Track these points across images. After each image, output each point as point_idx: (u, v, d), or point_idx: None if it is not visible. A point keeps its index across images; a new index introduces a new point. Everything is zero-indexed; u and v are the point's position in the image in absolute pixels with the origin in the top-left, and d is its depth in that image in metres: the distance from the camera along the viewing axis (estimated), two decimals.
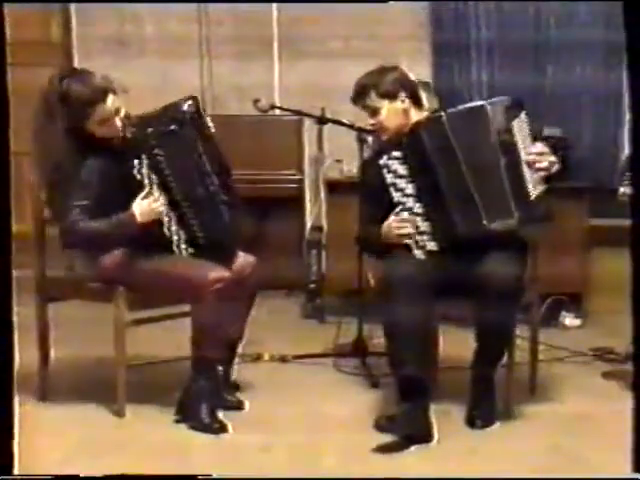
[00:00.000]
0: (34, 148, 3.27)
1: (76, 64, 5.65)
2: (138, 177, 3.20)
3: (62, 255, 3.56)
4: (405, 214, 3.22)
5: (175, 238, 3.30)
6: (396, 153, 3.23)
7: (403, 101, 3.36)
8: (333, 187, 5.04)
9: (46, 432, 3.08)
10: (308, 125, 5.21)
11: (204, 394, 3.23)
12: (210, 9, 5.64)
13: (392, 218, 3.25)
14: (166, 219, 3.27)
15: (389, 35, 5.45)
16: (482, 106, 3.22)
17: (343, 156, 4.87)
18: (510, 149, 3.19)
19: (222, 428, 3.18)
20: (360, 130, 4.00)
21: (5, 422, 2.29)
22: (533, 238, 3.40)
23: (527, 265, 3.36)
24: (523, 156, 3.19)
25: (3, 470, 2.30)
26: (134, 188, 3.21)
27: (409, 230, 3.21)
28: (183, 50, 5.65)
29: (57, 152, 3.20)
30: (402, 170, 3.23)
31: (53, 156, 3.21)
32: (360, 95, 3.38)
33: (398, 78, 3.39)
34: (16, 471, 2.34)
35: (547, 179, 3.25)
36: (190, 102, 3.32)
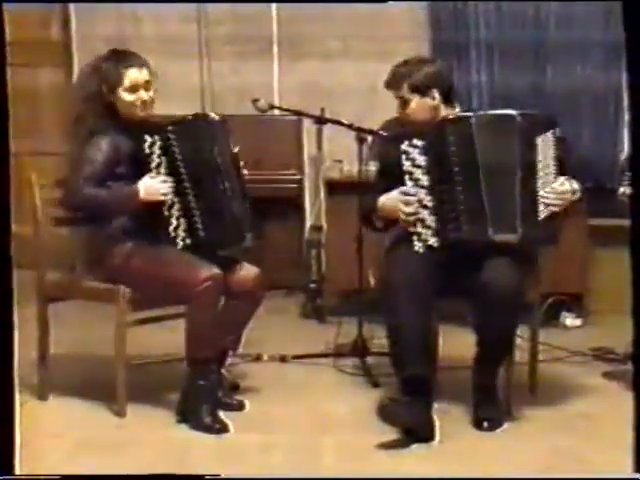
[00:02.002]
0: (71, 124, 3.38)
1: (76, 64, 5.67)
2: (147, 151, 3.24)
3: (62, 255, 3.57)
4: (412, 190, 3.20)
5: (174, 222, 3.30)
6: (418, 142, 3.21)
7: (434, 98, 3.33)
8: (333, 187, 5.03)
9: (46, 432, 3.08)
10: (308, 125, 5.20)
11: (203, 394, 3.23)
12: (209, 9, 5.64)
13: (397, 193, 3.23)
14: (168, 201, 3.29)
15: (388, 35, 5.44)
16: (512, 116, 3.19)
17: (343, 156, 4.87)
18: (529, 164, 3.16)
19: (223, 428, 3.18)
20: (360, 130, 4.00)
21: (5, 422, 2.29)
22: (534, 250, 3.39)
23: (533, 268, 3.35)
24: (541, 174, 3.17)
25: (3, 470, 2.30)
26: (143, 166, 3.25)
27: (412, 210, 3.19)
28: (183, 50, 5.64)
29: (86, 123, 3.29)
30: (421, 160, 3.20)
31: (82, 126, 3.30)
32: (392, 83, 3.36)
33: (433, 73, 3.36)
34: (17, 471, 2.34)
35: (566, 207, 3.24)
36: (218, 116, 3.45)
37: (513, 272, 3.14)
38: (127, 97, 3.30)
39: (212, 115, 3.47)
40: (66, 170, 3.33)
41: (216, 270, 3.21)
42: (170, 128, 3.29)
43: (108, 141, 3.26)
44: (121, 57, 3.33)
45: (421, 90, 3.32)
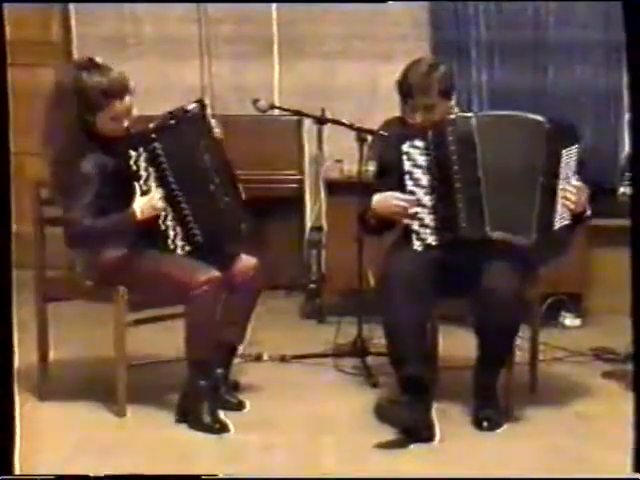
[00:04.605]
0: (42, 138, 3.28)
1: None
2: (134, 168, 3.20)
3: (62, 255, 3.56)
4: (407, 197, 3.20)
5: (172, 233, 3.28)
6: (419, 143, 3.20)
7: (451, 99, 3.32)
8: (333, 187, 5.03)
9: (46, 432, 3.08)
10: (308, 125, 5.20)
11: (203, 394, 3.23)
12: (209, 9, 5.64)
13: (393, 193, 3.23)
14: (163, 213, 3.26)
15: (389, 35, 5.44)
16: (540, 122, 3.19)
17: (343, 156, 4.87)
18: (552, 173, 3.16)
19: (223, 428, 3.18)
20: (360, 130, 4.00)
21: (5, 422, 2.29)
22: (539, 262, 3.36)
23: (533, 270, 3.34)
24: (560, 185, 3.16)
25: (3, 470, 2.31)
26: (131, 180, 3.21)
27: (406, 208, 3.18)
28: (183, 50, 5.64)
29: (63, 142, 3.22)
30: (421, 161, 3.20)
31: (58, 146, 3.23)
32: (422, 90, 3.24)
33: (451, 74, 3.34)
34: (16, 471, 2.34)
35: (576, 221, 3.23)
36: (195, 104, 3.37)
37: (515, 277, 3.13)
38: (109, 125, 3.22)
39: (189, 107, 3.35)
40: (59, 201, 3.29)
41: (214, 272, 3.21)
42: (153, 136, 3.23)
43: (92, 163, 3.19)
44: (104, 82, 3.17)
45: (448, 94, 3.30)
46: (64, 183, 3.23)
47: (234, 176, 3.44)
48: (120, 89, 3.20)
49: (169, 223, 3.28)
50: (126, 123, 3.24)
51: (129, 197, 3.20)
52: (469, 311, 3.32)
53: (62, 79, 3.27)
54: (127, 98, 3.22)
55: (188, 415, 3.24)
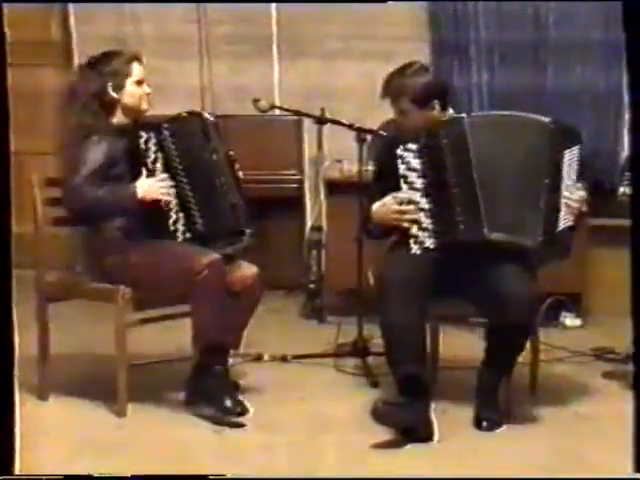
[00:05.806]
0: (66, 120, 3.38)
1: (76, 64, 5.66)
2: (143, 147, 3.27)
3: (62, 255, 3.57)
4: (404, 195, 3.19)
5: (173, 216, 3.32)
6: (412, 146, 3.19)
7: (434, 109, 3.30)
8: (333, 187, 5.03)
9: (46, 432, 3.08)
10: (308, 125, 5.21)
11: (222, 378, 3.27)
12: (209, 9, 5.64)
13: (388, 198, 3.22)
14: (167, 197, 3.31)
15: (389, 35, 5.44)
16: (543, 123, 3.18)
17: (343, 156, 4.87)
18: (555, 174, 3.14)
19: (244, 411, 3.24)
20: (360, 130, 4.01)
21: (6, 422, 2.29)
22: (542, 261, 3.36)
23: (535, 270, 3.34)
24: (564, 186, 3.15)
25: (3, 470, 2.31)
26: (139, 164, 3.27)
27: (407, 210, 3.18)
28: (183, 50, 5.65)
29: (76, 122, 3.32)
30: (415, 164, 3.19)
31: (80, 125, 3.31)
32: (390, 95, 3.30)
33: (432, 83, 3.32)
34: (16, 471, 2.34)
35: (576, 221, 3.22)
36: (212, 116, 3.50)
37: (529, 279, 3.14)
38: (135, 90, 3.35)
39: (206, 115, 3.51)
40: (64, 172, 3.33)
41: (215, 255, 3.23)
42: (165, 125, 3.33)
43: (105, 142, 3.27)
44: (123, 54, 3.39)
45: (421, 102, 3.28)
46: (74, 158, 3.27)
47: (240, 187, 3.45)
48: (136, 55, 3.41)
49: (172, 207, 3.32)
50: (148, 89, 3.37)
51: (135, 175, 3.28)
52: (478, 313, 3.30)
53: (72, 77, 3.49)
54: (142, 65, 3.40)
55: (207, 403, 3.24)
